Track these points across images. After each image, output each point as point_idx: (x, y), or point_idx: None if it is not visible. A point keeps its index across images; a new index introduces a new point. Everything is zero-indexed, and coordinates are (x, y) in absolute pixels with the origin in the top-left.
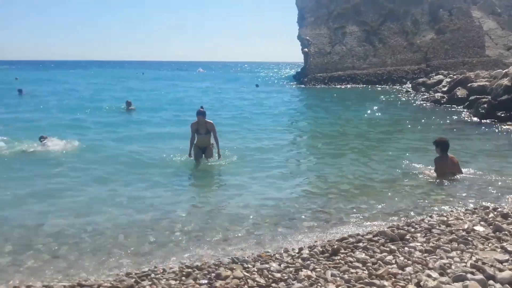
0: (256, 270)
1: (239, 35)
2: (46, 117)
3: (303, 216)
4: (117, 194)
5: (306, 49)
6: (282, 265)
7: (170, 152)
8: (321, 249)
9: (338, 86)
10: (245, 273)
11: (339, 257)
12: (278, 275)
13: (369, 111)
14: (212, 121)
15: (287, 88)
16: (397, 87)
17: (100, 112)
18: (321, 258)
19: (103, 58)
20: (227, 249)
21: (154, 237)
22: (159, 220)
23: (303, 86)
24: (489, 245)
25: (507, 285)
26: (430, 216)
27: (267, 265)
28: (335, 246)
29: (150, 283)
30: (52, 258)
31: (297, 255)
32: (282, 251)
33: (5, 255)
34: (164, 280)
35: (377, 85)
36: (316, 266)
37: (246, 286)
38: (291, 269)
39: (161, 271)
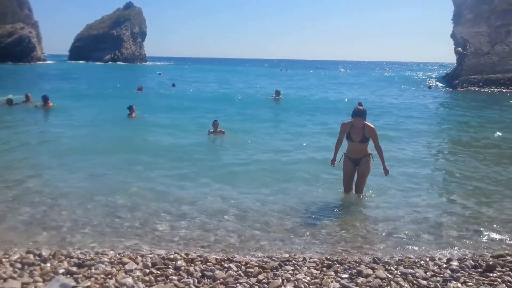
0: (399, 273)
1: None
2: None
3: (448, 224)
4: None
5: (459, 49)
6: (428, 273)
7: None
8: (473, 263)
9: (495, 90)
10: (388, 275)
11: (495, 275)
12: (424, 282)
13: None
14: (373, 126)
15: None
16: None
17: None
18: (473, 273)
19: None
20: (365, 248)
21: (293, 225)
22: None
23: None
24: None
25: None
26: None
27: (411, 270)
28: (491, 263)
29: (292, 268)
30: (204, 231)
31: (445, 265)
32: (428, 259)
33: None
34: (306, 268)
35: None
36: (467, 280)
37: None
38: (438, 278)
39: (301, 259)
